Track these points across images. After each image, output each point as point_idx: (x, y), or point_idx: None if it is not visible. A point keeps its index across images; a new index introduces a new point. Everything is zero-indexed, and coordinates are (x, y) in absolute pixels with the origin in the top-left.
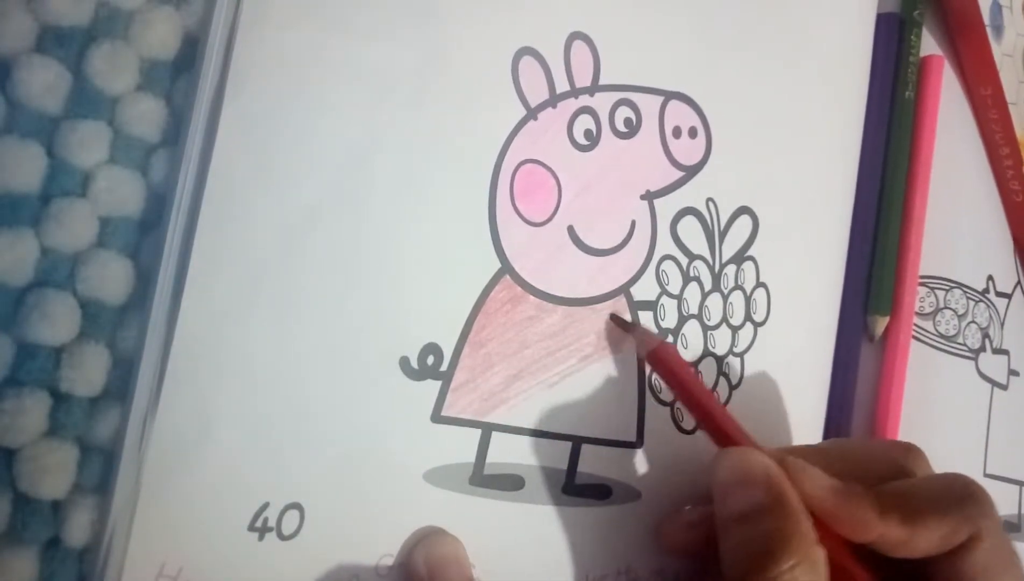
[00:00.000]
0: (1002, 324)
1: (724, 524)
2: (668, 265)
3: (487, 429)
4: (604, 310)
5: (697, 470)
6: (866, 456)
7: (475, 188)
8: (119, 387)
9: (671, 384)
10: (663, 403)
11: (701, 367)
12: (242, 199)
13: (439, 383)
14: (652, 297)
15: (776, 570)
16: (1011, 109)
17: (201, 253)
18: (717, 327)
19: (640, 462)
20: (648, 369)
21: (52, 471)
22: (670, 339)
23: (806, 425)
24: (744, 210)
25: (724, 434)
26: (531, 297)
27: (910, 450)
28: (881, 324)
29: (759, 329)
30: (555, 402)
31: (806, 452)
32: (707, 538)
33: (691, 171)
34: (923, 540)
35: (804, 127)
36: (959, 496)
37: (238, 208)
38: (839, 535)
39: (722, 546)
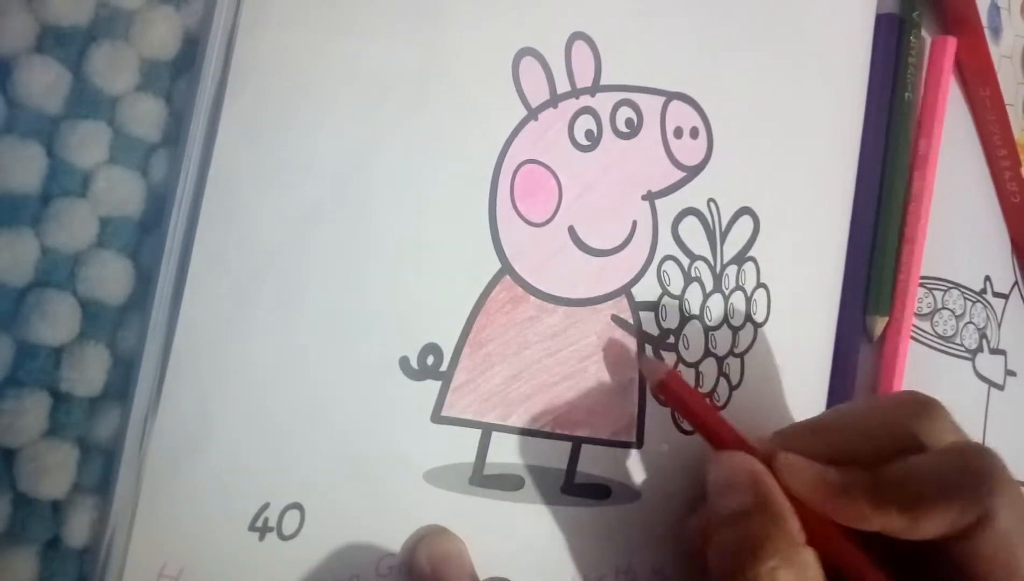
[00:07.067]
0: (999, 324)
1: (713, 525)
2: (669, 265)
3: (487, 429)
4: (605, 311)
5: (697, 471)
6: (871, 426)
7: (476, 188)
8: (119, 387)
9: (682, 412)
10: (663, 404)
11: (702, 367)
12: (242, 199)
13: (439, 383)
14: (653, 298)
15: (755, 570)
16: (1009, 110)
17: (201, 253)
18: (718, 328)
19: (639, 463)
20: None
21: (52, 471)
22: (671, 339)
23: None
24: (745, 210)
25: (719, 437)
26: (532, 297)
27: (922, 411)
28: (880, 324)
29: (759, 330)
30: (555, 402)
31: (803, 433)
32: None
33: (692, 171)
34: (926, 526)
35: (804, 127)
36: (965, 475)
37: (238, 208)
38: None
39: (709, 547)
